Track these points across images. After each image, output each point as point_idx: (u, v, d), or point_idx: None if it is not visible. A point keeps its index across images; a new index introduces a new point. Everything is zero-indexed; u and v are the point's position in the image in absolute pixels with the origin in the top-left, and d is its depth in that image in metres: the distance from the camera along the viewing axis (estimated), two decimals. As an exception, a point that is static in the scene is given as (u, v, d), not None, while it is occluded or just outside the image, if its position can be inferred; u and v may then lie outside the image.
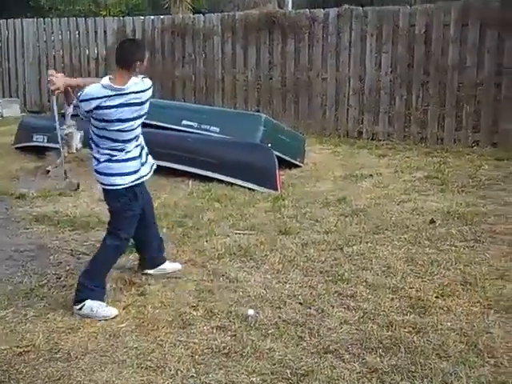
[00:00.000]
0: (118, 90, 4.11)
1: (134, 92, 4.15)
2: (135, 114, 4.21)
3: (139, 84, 4.20)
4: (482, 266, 4.96)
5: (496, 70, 9.91)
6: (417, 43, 10.42)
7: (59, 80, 4.48)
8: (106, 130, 4.20)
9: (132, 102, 4.15)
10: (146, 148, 4.56)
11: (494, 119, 10.00)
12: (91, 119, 4.23)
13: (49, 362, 3.59)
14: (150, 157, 4.62)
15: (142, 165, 4.47)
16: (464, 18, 10.09)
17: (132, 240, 4.68)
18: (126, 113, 4.15)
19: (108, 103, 4.10)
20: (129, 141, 4.28)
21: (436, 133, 10.41)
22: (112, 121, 4.16)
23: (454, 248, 5.40)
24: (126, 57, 4.20)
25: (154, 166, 4.65)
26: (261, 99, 11.85)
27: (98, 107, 4.12)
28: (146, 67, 4.28)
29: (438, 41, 10.28)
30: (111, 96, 4.10)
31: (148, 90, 4.26)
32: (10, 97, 14.50)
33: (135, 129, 4.29)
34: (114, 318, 4.13)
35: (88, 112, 4.18)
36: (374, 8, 11.09)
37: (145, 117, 4.33)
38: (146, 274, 4.82)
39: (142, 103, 4.21)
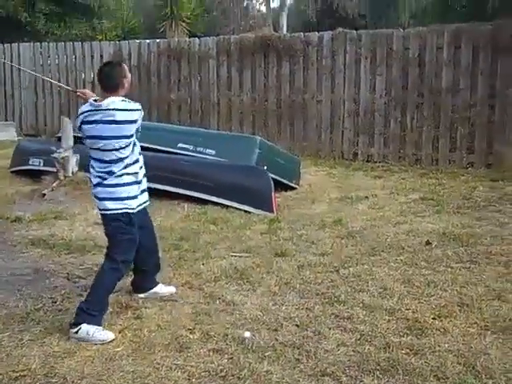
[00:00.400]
0: (96, 106, 4.26)
1: (109, 109, 4.23)
2: (113, 133, 4.23)
3: (117, 103, 4.26)
4: (479, 287, 4.96)
5: (489, 93, 10.01)
6: (411, 66, 10.55)
7: (88, 93, 4.57)
8: (91, 148, 4.34)
9: (107, 119, 4.22)
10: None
11: (489, 141, 10.10)
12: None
13: (45, 387, 3.58)
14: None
15: (142, 192, 4.50)
16: (457, 40, 10.22)
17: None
18: (102, 130, 4.22)
19: (88, 118, 4.27)
20: (115, 162, 4.29)
21: (431, 154, 10.49)
22: (92, 137, 4.28)
23: (450, 269, 5.41)
24: (107, 80, 4.35)
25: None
26: (256, 122, 11.93)
27: (82, 122, 4.31)
28: (130, 87, 4.41)
29: (431, 63, 10.41)
30: (91, 111, 4.27)
31: (125, 110, 4.27)
32: (6, 120, 14.54)
33: (118, 150, 4.27)
34: (110, 341, 4.12)
35: (79, 129, 4.35)
36: (367, 31, 11.24)
37: (130, 139, 4.31)
38: (139, 297, 4.81)
39: (117, 122, 4.23)
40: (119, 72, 4.39)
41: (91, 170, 4.40)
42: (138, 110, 4.34)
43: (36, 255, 5.89)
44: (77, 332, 4.15)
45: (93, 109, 4.25)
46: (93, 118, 4.24)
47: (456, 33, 10.24)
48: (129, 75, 4.43)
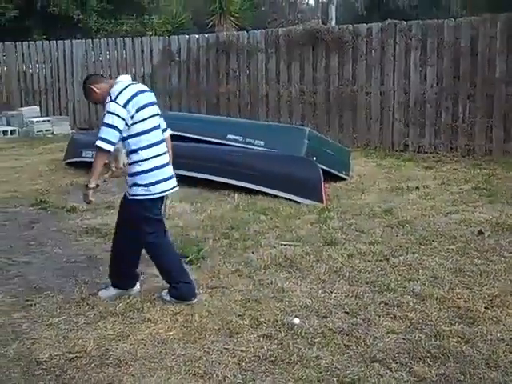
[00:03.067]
0: None
1: None
2: None
3: None
4: (533, 277, 4.87)
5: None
6: (462, 56, 10.35)
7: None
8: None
9: None
10: None
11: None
12: None
13: (100, 368, 3.67)
14: None
15: None
16: (510, 29, 9.98)
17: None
18: None
19: None
20: None
21: (484, 145, 10.30)
22: None
23: (503, 259, 5.32)
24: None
25: None
26: (305, 114, 11.91)
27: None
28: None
29: (484, 53, 10.20)
30: None
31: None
32: (60, 115, 14.89)
33: None
34: (162, 326, 4.19)
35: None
36: (418, 22, 11.05)
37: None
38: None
39: None
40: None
41: None
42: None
43: (90, 243, 6.03)
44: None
45: None
46: None
47: (509, 22, 10.01)
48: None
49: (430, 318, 4.21)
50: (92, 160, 8.53)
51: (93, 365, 3.70)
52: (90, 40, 14.97)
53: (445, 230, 6.13)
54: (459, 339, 3.91)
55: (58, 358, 3.80)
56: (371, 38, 11.16)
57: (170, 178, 4.62)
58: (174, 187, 4.69)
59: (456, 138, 10.53)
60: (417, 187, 8.06)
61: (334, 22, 22.93)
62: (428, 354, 3.73)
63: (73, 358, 3.78)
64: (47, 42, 15.49)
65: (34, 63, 15.62)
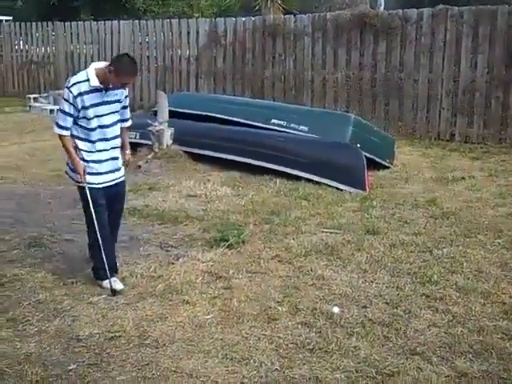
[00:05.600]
0: None
1: None
2: None
3: None
4: None
5: None
6: (515, 43, 10.06)
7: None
8: None
9: None
10: None
11: None
12: None
13: (138, 348, 3.70)
14: None
15: None
16: None
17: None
18: None
19: None
20: None
21: (534, 136, 10.00)
22: None
23: (552, 255, 5.17)
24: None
25: None
26: (350, 100, 11.75)
27: None
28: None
29: (537, 40, 9.88)
30: None
31: None
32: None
33: None
34: (200, 309, 4.19)
35: None
36: (470, 8, 10.75)
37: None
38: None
39: None
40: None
41: None
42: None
43: (131, 224, 6.07)
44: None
45: None
46: None
47: None
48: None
49: (473, 313, 4.13)
50: (134, 140, 8.63)
51: (131, 345, 3.74)
52: (137, 21, 15.02)
53: (491, 223, 5.99)
54: (503, 335, 3.83)
55: (97, 336, 3.85)
56: (421, 24, 10.90)
57: None
58: None
59: (505, 129, 10.26)
60: (462, 178, 7.89)
61: (382, 7, 22.55)
62: (470, 350, 3.66)
63: (112, 337, 3.82)
64: (95, 22, 15.63)
65: (82, 43, 15.78)
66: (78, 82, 4.39)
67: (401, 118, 11.21)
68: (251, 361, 3.55)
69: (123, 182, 4.79)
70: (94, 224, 4.52)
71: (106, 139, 4.57)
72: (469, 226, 5.93)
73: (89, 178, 4.52)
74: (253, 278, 4.75)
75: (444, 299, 4.35)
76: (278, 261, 5.10)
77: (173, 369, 3.47)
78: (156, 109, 9.20)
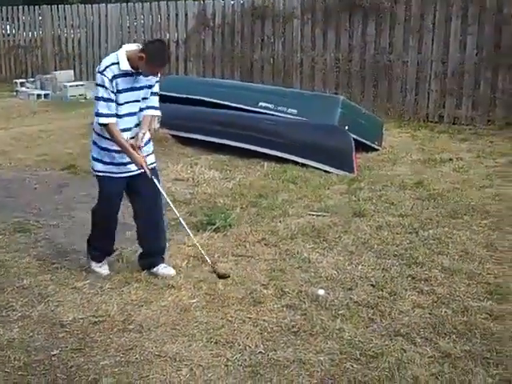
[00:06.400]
0: None
1: None
2: None
3: None
4: None
5: None
6: (505, 24, 10.00)
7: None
8: None
9: None
10: None
11: None
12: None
13: (122, 332, 3.69)
14: None
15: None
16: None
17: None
18: None
19: None
20: None
21: (523, 118, 9.99)
22: None
23: (538, 235, 5.18)
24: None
25: None
26: (339, 82, 11.70)
27: None
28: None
29: (528, 21, 9.84)
30: None
31: None
32: (94, 80, 14.87)
33: None
34: (185, 293, 4.18)
35: None
36: (459, -12, 10.70)
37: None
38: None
39: None
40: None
41: None
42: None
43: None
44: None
45: None
46: None
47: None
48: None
49: (457, 294, 4.14)
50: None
51: (115, 329, 3.73)
52: (125, 4, 14.90)
53: (478, 205, 5.99)
54: (487, 316, 3.84)
55: (81, 321, 3.84)
56: (411, 5, 10.85)
57: None
58: None
59: (494, 110, 10.25)
60: (450, 159, 7.88)
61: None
62: (454, 330, 3.67)
63: (96, 322, 3.82)
64: (82, 5, 15.49)
65: (69, 27, 15.65)
66: (110, 65, 4.11)
67: (389, 100, 11.17)
68: (235, 344, 3.55)
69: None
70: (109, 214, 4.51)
71: (130, 128, 4.28)
72: (455, 207, 5.93)
73: (110, 168, 4.31)
74: (239, 261, 4.74)
75: (429, 280, 4.35)
76: (265, 244, 5.09)
77: (157, 353, 3.47)
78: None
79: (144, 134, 4.29)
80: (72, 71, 14.90)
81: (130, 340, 3.61)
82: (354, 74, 11.50)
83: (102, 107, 4.13)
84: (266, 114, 8.28)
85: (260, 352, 3.48)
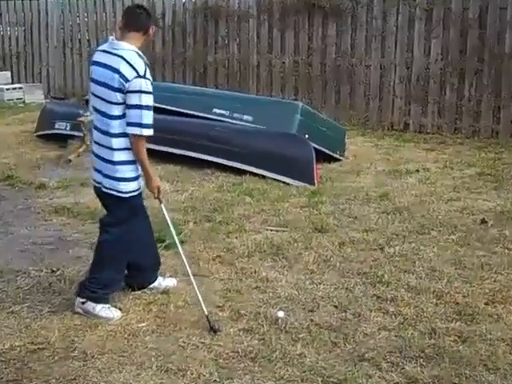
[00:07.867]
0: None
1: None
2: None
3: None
4: (538, 271, 4.85)
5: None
6: (470, 28, 10.26)
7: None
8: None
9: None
10: None
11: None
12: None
13: (64, 361, 3.62)
14: None
15: None
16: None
17: None
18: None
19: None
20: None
21: (490, 126, 10.27)
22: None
23: (506, 251, 5.31)
24: (136, 17, 4.10)
25: None
26: (299, 87, 11.81)
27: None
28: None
29: (493, 25, 10.12)
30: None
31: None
32: (33, 82, 14.70)
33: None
34: (133, 316, 4.14)
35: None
36: (423, -11, 10.93)
37: None
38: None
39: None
40: (149, 16, 4.18)
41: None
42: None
43: (60, 224, 5.97)
44: (83, 303, 4.17)
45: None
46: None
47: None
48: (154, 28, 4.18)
49: (425, 314, 4.19)
50: (65, 132, 8.43)
51: (56, 357, 3.66)
52: (67, 0, 14.73)
53: (445, 219, 6.10)
54: (456, 338, 3.89)
55: (18, 349, 3.75)
56: (372, 6, 11.04)
57: None
58: None
59: (461, 118, 10.48)
60: (416, 170, 8.03)
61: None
62: (421, 354, 3.70)
63: (35, 350, 3.73)
64: (20, 1, 15.24)
65: (5, 24, 15.39)
66: (145, 65, 3.91)
67: (352, 107, 11.33)
68: (188, 372, 3.51)
69: None
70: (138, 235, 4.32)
71: None
72: (422, 221, 6.03)
73: (140, 181, 4.21)
74: (191, 281, 4.71)
75: (395, 300, 4.40)
76: (220, 262, 5.07)
77: (102, 383, 3.41)
78: (88, 97, 9.03)
79: None
80: (9, 73, 14.66)
81: (73, 369, 3.54)
82: (314, 79, 11.62)
83: (149, 117, 3.94)
84: (220, 121, 8.29)
85: (215, 380, 3.45)
